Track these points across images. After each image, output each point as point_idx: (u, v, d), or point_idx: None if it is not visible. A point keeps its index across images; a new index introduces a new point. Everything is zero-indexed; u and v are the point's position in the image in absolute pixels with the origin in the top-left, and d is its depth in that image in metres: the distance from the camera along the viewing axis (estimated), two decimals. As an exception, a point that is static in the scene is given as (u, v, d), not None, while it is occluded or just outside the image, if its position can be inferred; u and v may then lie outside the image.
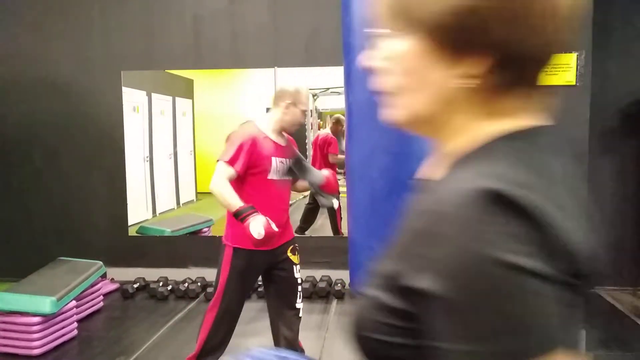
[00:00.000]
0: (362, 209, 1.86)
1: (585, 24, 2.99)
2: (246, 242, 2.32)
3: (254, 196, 2.35)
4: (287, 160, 2.47)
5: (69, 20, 4.67)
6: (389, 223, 1.97)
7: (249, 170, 2.33)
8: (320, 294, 4.19)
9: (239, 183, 2.35)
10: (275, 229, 2.25)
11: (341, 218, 4.63)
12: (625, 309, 3.87)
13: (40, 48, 4.69)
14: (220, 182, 2.26)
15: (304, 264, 4.56)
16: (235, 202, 2.24)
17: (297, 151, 2.58)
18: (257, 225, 2.18)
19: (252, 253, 2.38)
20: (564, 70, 3.00)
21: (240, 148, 2.30)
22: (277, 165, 2.39)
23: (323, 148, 4.75)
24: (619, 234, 4.30)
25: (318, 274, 4.43)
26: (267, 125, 2.44)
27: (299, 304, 2.53)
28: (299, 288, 2.54)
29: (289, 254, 2.51)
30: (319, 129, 5.15)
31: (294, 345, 2.52)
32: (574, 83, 3.00)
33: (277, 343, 2.53)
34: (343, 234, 4.57)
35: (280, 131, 2.47)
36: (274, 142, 2.42)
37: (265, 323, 3.62)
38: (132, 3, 4.61)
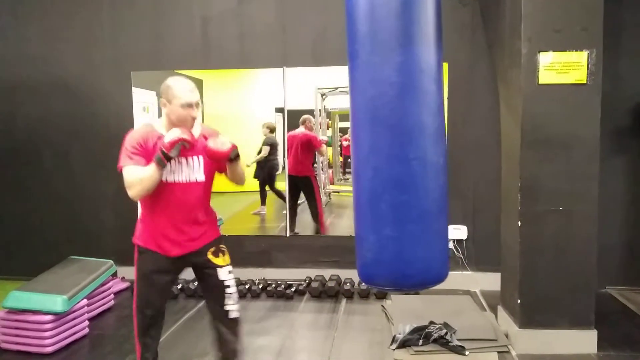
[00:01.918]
0: (360, 206, 1.93)
1: (597, 22, 2.96)
2: (149, 242, 2.31)
3: (152, 201, 2.27)
4: (192, 159, 2.28)
5: (78, 21, 4.70)
6: (383, 220, 2.05)
7: None
8: (329, 293, 4.20)
9: None
10: (186, 136, 2.13)
11: (321, 215, 4.75)
12: (637, 309, 3.84)
13: (50, 49, 4.74)
14: (131, 176, 2.18)
15: (313, 263, 4.62)
16: (148, 166, 2.15)
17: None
18: (171, 134, 2.13)
19: (157, 257, 2.31)
20: (575, 68, 2.97)
21: (131, 148, 2.23)
22: (170, 166, 2.23)
23: (309, 145, 4.82)
24: (631, 234, 4.26)
25: (327, 273, 4.43)
26: (161, 125, 2.30)
27: (230, 306, 2.39)
28: (228, 290, 2.38)
29: (210, 256, 2.38)
30: (327, 128, 5.16)
31: (231, 345, 2.42)
32: (585, 82, 2.98)
33: (216, 342, 2.46)
34: (325, 233, 4.65)
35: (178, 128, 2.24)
36: None
37: (275, 322, 3.65)
38: (141, 4, 4.64)
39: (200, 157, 2.31)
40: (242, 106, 4.85)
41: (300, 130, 4.80)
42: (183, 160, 2.27)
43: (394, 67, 1.78)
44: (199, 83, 4.77)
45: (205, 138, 2.31)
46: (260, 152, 4.89)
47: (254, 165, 4.90)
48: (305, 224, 4.77)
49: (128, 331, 3.62)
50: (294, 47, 4.51)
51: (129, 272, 4.60)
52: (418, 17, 1.79)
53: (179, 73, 4.72)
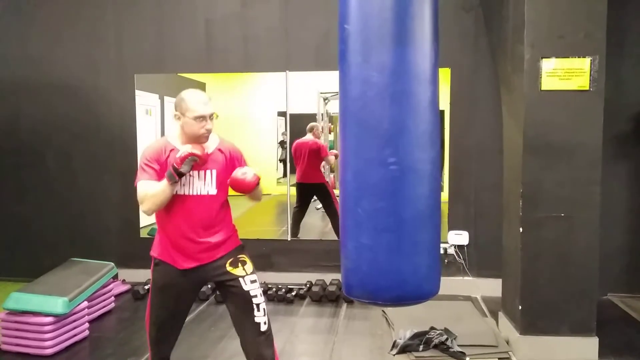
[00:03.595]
0: (342, 211, 1.87)
1: (600, 29, 2.96)
2: (164, 254, 2.29)
3: (165, 214, 2.24)
4: (204, 173, 2.24)
5: (82, 23, 4.72)
6: (360, 227, 1.92)
7: None
8: (330, 297, 4.19)
9: None
10: (198, 151, 2.12)
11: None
12: (639, 316, 3.83)
13: (53, 51, 4.75)
14: (143, 192, 2.16)
15: (314, 267, 4.61)
16: (160, 182, 2.15)
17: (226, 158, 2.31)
18: (182, 149, 2.12)
19: (170, 270, 2.28)
20: (578, 75, 2.97)
21: (146, 164, 2.21)
22: (185, 179, 2.21)
23: (318, 153, 4.83)
24: (632, 240, 4.25)
25: (328, 277, 4.43)
26: (176, 138, 2.28)
27: (259, 318, 2.25)
28: (255, 301, 2.25)
29: (228, 267, 2.29)
30: (329, 133, 5.16)
31: None
32: (587, 88, 2.98)
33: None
34: None
35: (191, 143, 2.22)
36: None
37: (275, 326, 3.63)
38: (145, 7, 4.65)
39: (214, 171, 2.26)
40: (245, 109, 4.86)
41: (309, 137, 4.80)
42: (195, 173, 2.23)
43: (375, 66, 1.70)
44: (202, 86, 4.78)
45: (221, 151, 2.29)
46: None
47: None
48: (305, 228, 4.77)
49: (128, 334, 3.62)
50: (297, 51, 4.52)
51: (130, 275, 4.65)
52: (406, 17, 1.70)
53: (182, 76, 4.76)
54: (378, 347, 3.33)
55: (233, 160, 2.31)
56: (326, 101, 4.97)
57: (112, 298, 4.06)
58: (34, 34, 4.77)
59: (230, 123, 4.80)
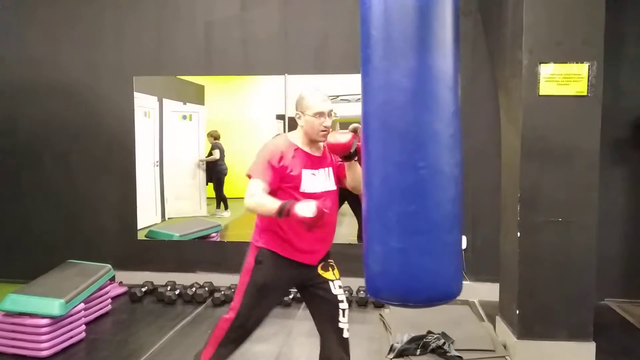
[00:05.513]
0: (368, 215, 1.87)
1: (598, 35, 2.98)
2: (277, 246, 2.25)
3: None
4: (324, 170, 2.30)
5: (81, 25, 4.72)
6: (390, 230, 1.92)
7: (280, 184, 2.21)
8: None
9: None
10: (326, 210, 2.10)
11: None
12: (636, 322, 3.83)
13: (52, 53, 4.75)
14: (254, 196, 2.14)
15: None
16: (274, 203, 2.10)
17: (337, 158, 2.34)
18: (305, 207, 2.04)
19: (278, 263, 2.24)
20: (576, 80, 2.98)
21: (268, 162, 2.20)
22: (308, 177, 2.24)
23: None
24: (630, 246, 4.26)
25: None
26: (297, 137, 2.32)
27: (343, 324, 2.29)
28: (342, 306, 2.30)
29: (320, 270, 2.31)
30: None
31: None
32: (585, 93, 2.99)
33: None
34: None
35: (311, 142, 2.29)
36: (306, 153, 2.28)
37: (272, 329, 3.63)
38: (144, 9, 4.66)
39: (330, 169, 2.33)
40: (244, 113, 4.85)
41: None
42: (319, 172, 2.28)
43: (404, 72, 1.72)
44: (200, 89, 4.78)
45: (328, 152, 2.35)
46: (210, 154, 4.85)
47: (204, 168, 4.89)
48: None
49: (125, 336, 3.61)
50: (296, 55, 4.53)
51: (127, 277, 4.64)
52: (432, 22, 1.72)
53: (181, 79, 4.77)
54: (375, 350, 3.33)
55: (332, 155, 2.38)
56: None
57: (109, 300, 4.05)
58: (33, 36, 4.77)
59: (229, 126, 4.80)
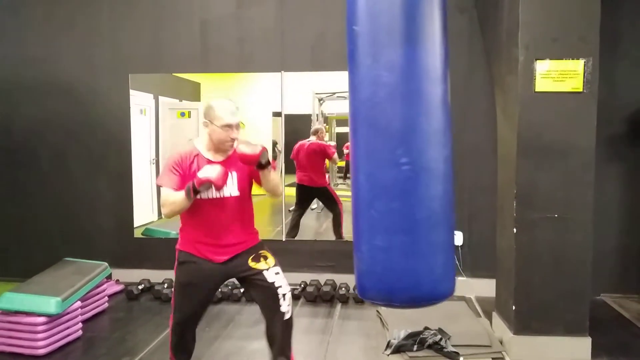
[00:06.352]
0: (355, 213, 1.85)
1: (594, 31, 2.98)
2: (190, 247, 2.43)
3: (190, 218, 2.41)
4: (230, 174, 2.36)
5: (77, 23, 4.70)
6: (374, 229, 1.88)
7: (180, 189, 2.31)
8: (325, 297, 4.19)
9: None
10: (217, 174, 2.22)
11: (342, 222, 4.67)
12: (631, 316, 3.85)
13: (48, 51, 4.73)
14: (164, 198, 2.31)
15: (309, 267, 4.61)
16: (180, 193, 2.26)
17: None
18: (208, 169, 2.22)
19: (194, 261, 2.42)
20: (571, 77, 2.99)
21: (170, 168, 2.34)
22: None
23: (323, 155, 4.81)
24: (626, 241, 4.28)
25: (322, 277, 4.43)
26: (202, 143, 2.42)
27: (284, 307, 2.41)
28: (280, 291, 2.41)
29: (250, 262, 2.43)
30: (324, 134, 5.16)
31: (284, 352, 2.47)
32: (581, 90, 2.99)
33: (270, 348, 2.51)
34: (344, 238, 4.59)
35: (216, 149, 2.39)
36: (208, 160, 2.37)
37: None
38: (141, 7, 4.64)
39: (234, 173, 2.39)
40: (240, 110, 4.83)
41: (312, 139, 4.79)
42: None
43: (386, 67, 1.68)
44: (196, 87, 4.77)
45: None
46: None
47: None
48: (300, 228, 4.76)
49: (122, 334, 3.61)
50: (293, 52, 4.52)
51: (124, 275, 4.63)
52: (413, 15, 1.69)
53: (177, 76, 4.75)
54: (372, 347, 3.34)
55: (240, 160, 2.42)
56: (321, 102, 4.97)
57: (106, 298, 4.05)
58: (29, 34, 4.75)
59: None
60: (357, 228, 1.85)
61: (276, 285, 2.41)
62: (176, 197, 2.27)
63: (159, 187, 2.38)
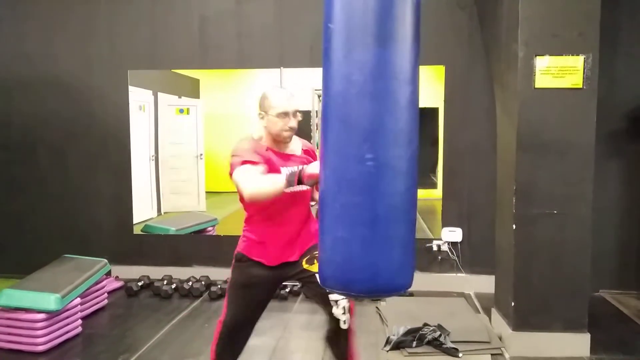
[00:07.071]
0: (320, 206, 1.91)
1: (593, 27, 2.98)
2: (250, 250, 2.27)
3: (260, 214, 2.24)
4: (296, 168, 2.19)
5: (76, 19, 4.69)
6: (336, 221, 1.94)
7: None
8: (324, 294, 4.19)
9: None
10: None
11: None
12: (630, 313, 3.86)
13: (46, 47, 4.72)
14: (252, 181, 2.03)
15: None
16: (276, 178, 2.03)
17: (308, 157, 2.31)
18: (314, 167, 2.01)
19: (252, 267, 2.28)
20: (571, 73, 2.98)
21: (251, 154, 2.13)
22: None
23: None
24: (625, 238, 4.28)
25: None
26: (264, 136, 2.26)
27: (340, 316, 2.23)
28: (331, 297, 2.26)
29: (305, 265, 2.29)
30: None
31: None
32: (580, 86, 2.99)
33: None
34: None
35: (277, 141, 2.22)
36: (277, 152, 2.23)
37: (269, 323, 3.64)
38: (139, 3, 4.62)
39: (302, 167, 2.23)
40: (239, 106, 4.83)
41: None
42: (284, 170, 2.18)
43: (356, 65, 1.73)
44: (195, 83, 4.76)
45: (304, 151, 2.30)
46: None
47: None
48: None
49: (121, 331, 3.61)
50: (292, 48, 4.51)
51: (123, 272, 4.64)
52: (386, 18, 1.73)
53: (176, 72, 4.74)
54: (371, 343, 3.34)
55: (306, 154, 2.34)
56: (320, 98, 4.97)
57: (105, 295, 4.05)
58: (27, 30, 4.73)
59: (224, 119, 4.79)
60: (322, 219, 1.92)
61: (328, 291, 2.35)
62: (269, 182, 2.02)
63: (231, 170, 2.10)
